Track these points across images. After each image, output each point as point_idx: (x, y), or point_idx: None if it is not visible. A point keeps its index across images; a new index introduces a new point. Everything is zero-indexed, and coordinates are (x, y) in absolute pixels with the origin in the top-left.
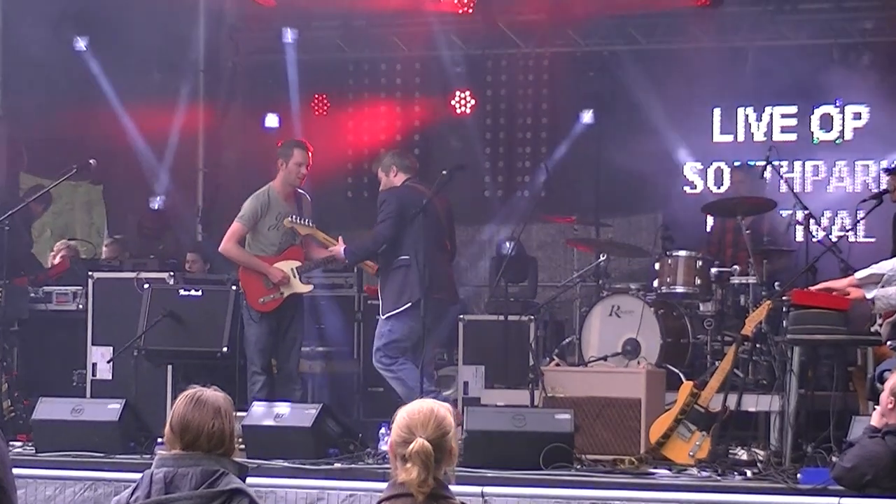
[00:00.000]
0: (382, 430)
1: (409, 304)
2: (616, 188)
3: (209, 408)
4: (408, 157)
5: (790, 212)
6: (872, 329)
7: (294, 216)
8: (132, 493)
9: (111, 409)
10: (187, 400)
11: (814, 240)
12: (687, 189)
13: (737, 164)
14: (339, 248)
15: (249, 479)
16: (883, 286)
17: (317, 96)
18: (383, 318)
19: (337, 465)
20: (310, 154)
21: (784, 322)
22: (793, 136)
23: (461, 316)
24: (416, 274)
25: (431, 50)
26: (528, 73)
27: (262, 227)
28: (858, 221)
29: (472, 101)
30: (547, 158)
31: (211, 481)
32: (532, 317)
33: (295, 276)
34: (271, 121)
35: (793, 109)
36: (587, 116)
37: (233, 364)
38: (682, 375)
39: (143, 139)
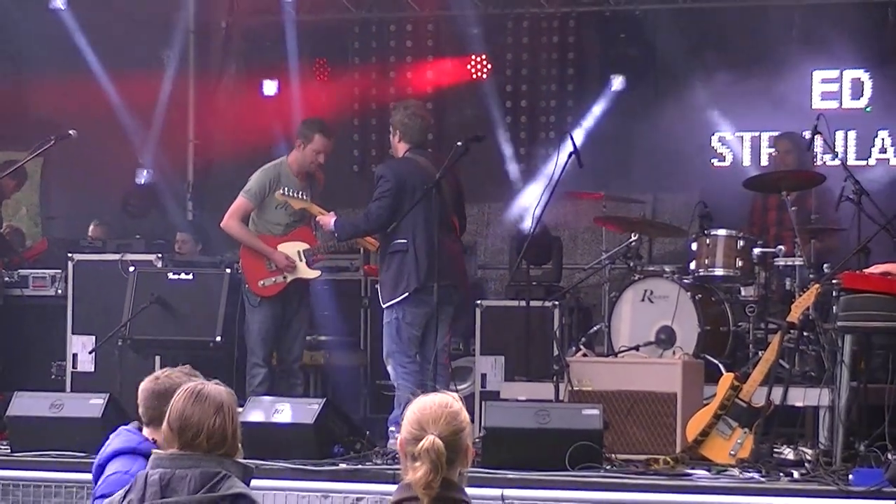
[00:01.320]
0: (392, 428)
1: (406, 294)
2: (649, 161)
3: (211, 403)
4: (418, 119)
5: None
6: None
7: (287, 189)
8: (124, 497)
9: (93, 404)
10: (187, 394)
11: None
12: (716, 162)
13: (782, 133)
14: (330, 219)
15: None
16: None
17: (319, 61)
18: (384, 307)
19: (342, 465)
20: (331, 141)
21: (834, 308)
22: (834, 104)
23: (478, 302)
24: (413, 260)
25: (445, 9)
26: (553, 34)
27: (270, 205)
28: None
29: (489, 66)
30: (573, 129)
31: (211, 485)
32: (556, 302)
33: (302, 260)
34: (269, 88)
35: (834, 74)
36: (617, 83)
37: (228, 355)
38: (721, 367)
39: (127, 108)
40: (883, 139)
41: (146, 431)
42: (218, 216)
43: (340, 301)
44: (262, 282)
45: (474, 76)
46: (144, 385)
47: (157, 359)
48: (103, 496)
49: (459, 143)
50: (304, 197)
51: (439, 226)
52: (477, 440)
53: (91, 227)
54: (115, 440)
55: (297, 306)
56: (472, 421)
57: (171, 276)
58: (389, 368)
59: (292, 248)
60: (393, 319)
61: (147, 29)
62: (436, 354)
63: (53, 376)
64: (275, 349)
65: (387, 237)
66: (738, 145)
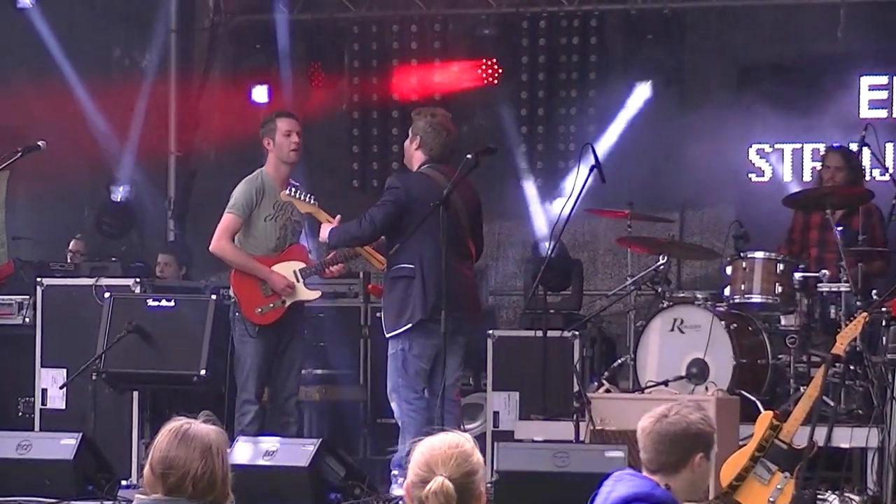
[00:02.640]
0: (395, 472)
1: (410, 326)
2: (678, 176)
3: (197, 444)
4: (443, 132)
5: (892, 204)
6: None
7: (293, 189)
8: None
9: (65, 444)
10: (172, 434)
11: None
12: (754, 177)
13: (833, 147)
14: (329, 226)
15: None
16: None
17: (314, 64)
18: (387, 336)
19: None
20: (297, 121)
21: (884, 339)
22: (883, 113)
23: (490, 332)
24: (419, 288)
25: (454, 7)
26: (573, 35)
27: (257, 219)
28: None
29: (502, 71)
30: (594, 140)
31: None
32: (576, 332)
33: (299, 281)
34: (259, 94)
35: (884, 80)
36: (644, 90)
37: (214, 391)
38: (759, 404)
39: (101, 116)
40: None
41: None
42: (202, 235)
43: (338, 330)
44: (259, 308)
45: (486, 81)
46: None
47: (135, 394)
48: None
49: (469, 156)
50: (312, 200)
51: (452, 250)
52: (489, 485)
53: (72, 242)
54: None
55: (292, 336)
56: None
57: (150, 302)
58: (393, 405)
59: (287, 269)
60: (398, 351)
61: (124, 28)
62: (444, 389)
63: (20, 413)
64: (267, 384)
65: (391, 259)
66: (777, 158)
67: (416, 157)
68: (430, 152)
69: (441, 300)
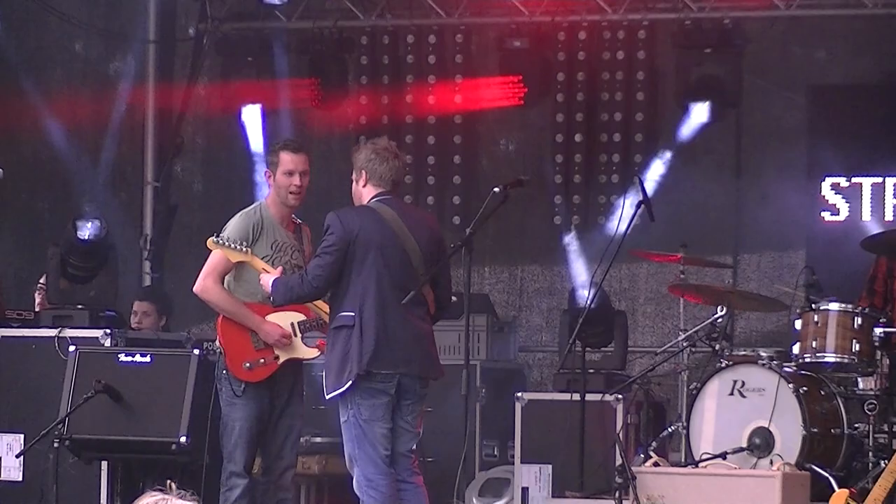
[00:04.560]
0: None
1: (350, 383)
2: (741, 214)
3: None
4: (388, 160)
5: None
6: None
7: (219, 237)
8: None
9: None
10: None
11: None
12: (827, 216)
13: None
14: (270, 277)
15: None
16: None
17: (316, 80)
18: (327, 397)
19: None
20: (305, 158)
21: None
22: None
23: (518, 394)
24: (357, 338)
25: (480, 15)
26: (617, 49)
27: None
28: None
29: (535, 89)
30: (643, 171)
31: None
32: (620, 395)
33: (297, 335)
34: (250, 114)
35: None
36: (700, 111)
37: (195, 461)
38: (833, 481)
39: (67, 139)
40: None
41: None
42: (183, 280)
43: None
44: (247, 363)
45: (515, 101)
46: None
47: (104, 465)
48: None
49: (497, 190)
50: (244, 248)
51: (398, 295)
52: None
53: (38, 297)
54: None
55: (289, 397)
56: None
57: (122, 357)
58: (354, 478)
59: (284, 320)
60: (350, 418)
61: (92, 37)
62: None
63: None
64: (259, 454)
65: (333, 307)
66: (855, 194)
67: (364, 194)
68: (381, 181)
69: (383, 351)
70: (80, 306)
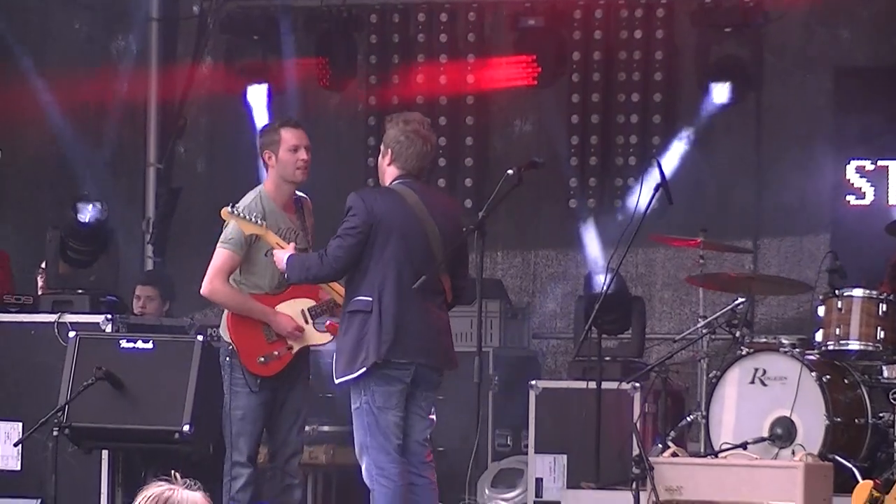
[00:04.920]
0: None
1: (364, 370)
2: (762, 197)
3: None
4: (418, 140)
5: None
6: None
7: (234, 206)
8: None
9: None
10: (150, 503)
11: None
12: (852, 199)
13: None
14: (284, 253)
15: None
16: None
17: (322, 60)
18: (336, 382)
19: None
20: (304, 133)
21: None
22: None
23: (532, 382)
24: (375, 325)
25: None
26: (634, 28)
27: (257, 253)
28: None
29: (550, 69)
30: (661, 153)
31: None
32: (637, 384)
33: (308, 322)
34: (256, 94)
35: None
36: (720, 93)
37: (199, 450)
38: (856, 471)
39: (67, 119)
40: None
41: None
42: (186, 264)
43: None
44: (262, 357)
45: (530, 82)
46: None
47: (105, 454)
48: None
49: (511, 172)
50: (259, 221)
51: (413, 282)
52: None
53: (40, 281)
54: None
55: (293, 383)
56: None
57: (124, 344)
58: (362, 466)
59: (294, 308)
60: (362, 404)
61: (93, 15)
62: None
63: None
64: (266, 442)
65: (348, 290)
66: (881, 177)
67: (388, 173)
68: (405, 165)
69: (403, 340)
70: (80, 291)
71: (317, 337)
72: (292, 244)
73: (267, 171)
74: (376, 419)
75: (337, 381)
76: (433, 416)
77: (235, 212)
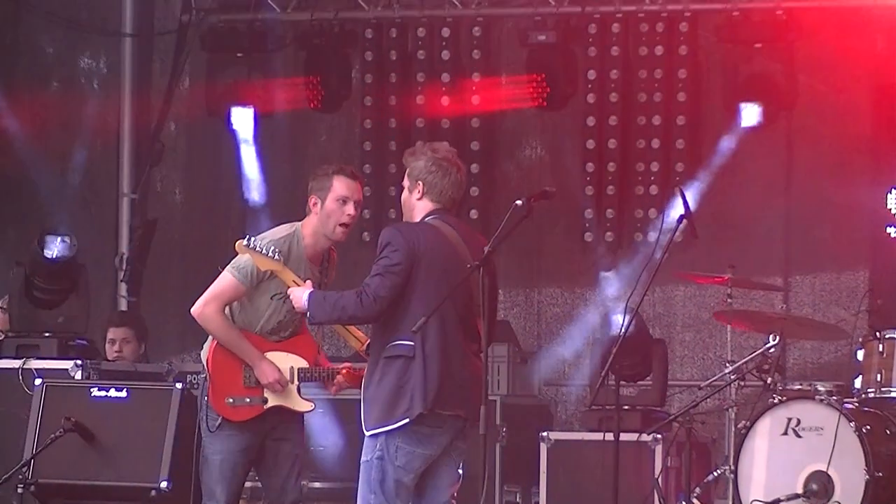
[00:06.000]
0: None
1: (407, 421)
2: (796, 230)
3: None
4: (451, 170)
5: None
6: None
7: (251, 239)
8: None
9: None
10: None
11: None
12: (893, 231)
13: None
14: (303, 290)
15: None
16: None
17: (314, 79)
18: (368, 435)
19: None
20: (360, 182)
21: None
22: None
23: (544, 434)
24: (420, 372)
25: (500, 5)
26: (655, 43)
27: (263, 294)
28: None
29: (562, 89)
30: (685, 181)
31: None
32: (659, 435)
33: (293, 383)
34: (241, 118)
35: None
36: (750, 114)
37: None
38: None
39: (32, 145)
40: None
41: None
42: (162, 303)
43: (337, 430)
44: (230, 398)
45: (540, 103)
46: None
47: None
48: None
49: (519, 202)
50: (276, 256)
51: (460, 327)
52: None
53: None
54: None
55: (282, 436)
56: None
57: (95, 392)
58: None
59: (284, 362)
60: (375, 458)
61: (64, 32)
62: None
63: None
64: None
65: (384, 334)
66: None
67: (418, 208)
68: (440, 197)
69: (448, 389)
70: (47, 334)
71: (297, 402)
72: (309, 281)
73: (313, 215)
74: (384, 478)
75: (369, 433)
76: (460, 471)
77: (251, 245)
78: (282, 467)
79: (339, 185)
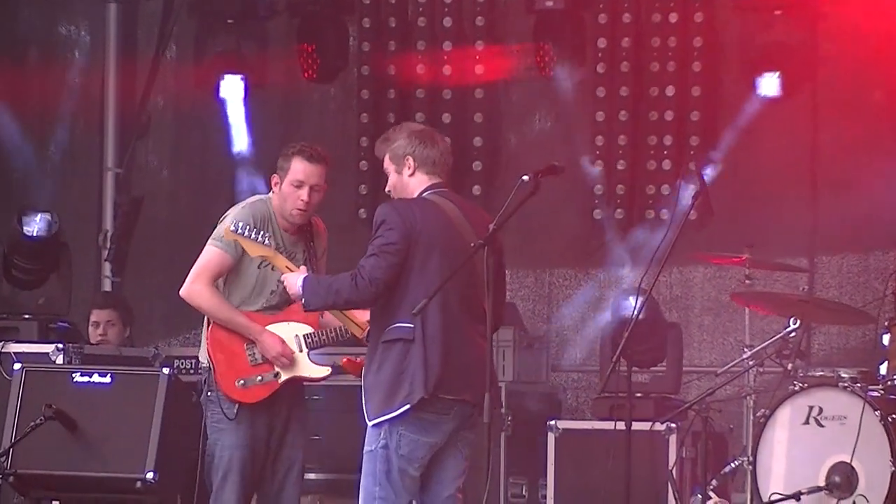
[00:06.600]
0: None
1: (407, 407)
2: (818, 207)
3: None
4: (436, 143)
5: None
6: None
7: (240, 225)
8: None
9: None
10: None
11: None
12: None
13: None
14: (297, 276)
15: None
16: None
17: (307, 48)
18: (370, 425)
19: None
20: (321, 171)
21: None
22: None
23: (551, 422)
24: (419, 355)
25: None
26: (669, 10)
27: (249, 264)
28: None
29: (571, 58)
30: (699, 157)
31: None
32: (673, 425)
33: (303, 350)
34: (231, 87)
35: None
36: (769, 85)
37: (165, 501)
38: None
39: (11, 118)
40: None
41: None
42: (147, 284)
43: (339, 419)
44: (241, 380)
45: (547, 72)
46: None
47: None
48: None
49: (526, 178)
50: (266, 241)
51: (464, 307)
52: None
53: None
54: None
55: (287, 423)
56: None
57: (77, 377)
58: None
59: (288, 331)
60: (378, 448)
61: None
62: None
63: None
64: (256, 491)
65: (382, 318)
66: None
67: (412, 185)
68: (435, 168)
69: (451, 372)
70: (26, 316)
71: (310, 368)
72: (303, 266)
73: (274, 195)
74: (390, 468)
75: (371, 423)
76: (467, 462)
77: (240, 231)
78: (279, 471)
79: (296, 168)
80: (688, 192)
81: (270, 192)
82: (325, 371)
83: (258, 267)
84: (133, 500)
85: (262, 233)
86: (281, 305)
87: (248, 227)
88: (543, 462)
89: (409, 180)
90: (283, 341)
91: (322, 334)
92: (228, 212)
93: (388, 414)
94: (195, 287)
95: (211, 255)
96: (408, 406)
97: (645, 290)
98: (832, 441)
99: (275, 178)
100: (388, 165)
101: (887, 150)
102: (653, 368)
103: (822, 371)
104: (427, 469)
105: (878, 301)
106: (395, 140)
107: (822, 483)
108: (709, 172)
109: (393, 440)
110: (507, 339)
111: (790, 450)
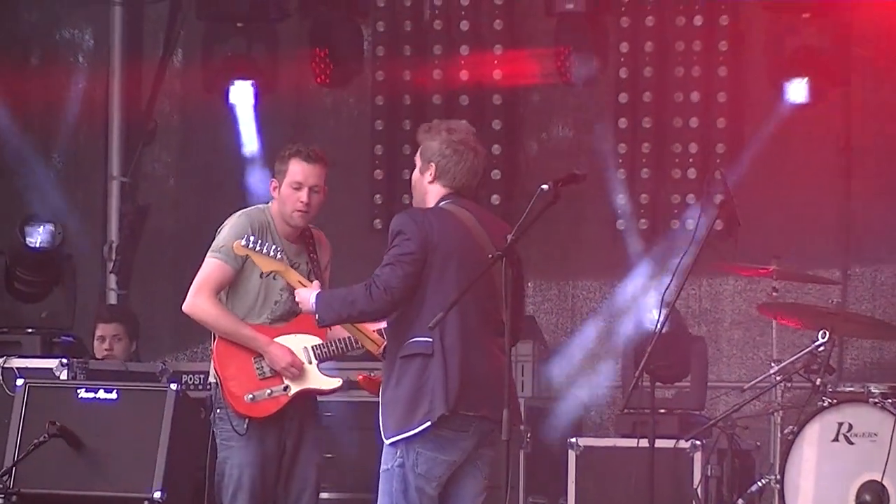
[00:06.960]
0: None
1: (428, 425)
2: (851, 217)
3: None
4: (467, 153)
5: None
6: None
7: (250, 240)
8: None
9: None
10: None
11: None
12: None
13: None
14: (310, 291)
15: None
16: None
17: (319, 52)
18: (387, 443)
19: None
20: (320, 171)
21: None
22: None
23: (571, 439)
24: (440, 370)
25: None
26: (693, 14)
27: (251, 274)
28: None
29: (592, 63)
30: (726, 164)
31: None
32: (698, 442)
33: (312, 362)
34: (240, 93)
35: None
36: (798, 91)
37: None
38: None
39: (13, 122)
40: None
41: None
42: (153, 296)
43: (353, 437)
44: (250, 395)
45: (568, 78)
46: None
47: None
48: None
49: (545, 187)
50: (278, 255)
51: (482, 321)
52: None
53: None
54: None
55: (299, 441)
56: None
57: (82, 393)
58: None
59: (297, 343)
60: (395, 467)
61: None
62: None
63: None
64: None
65: (399, 332)
66: None
67: (431, 192)
68: (454, 183)
69: (471, 387)
70: (29, 330)
71: (321, 380)
72: (317, 282)
73: (273, 199)
74: (407, 487)
75: (388, 441)
76: (486, 481)
77: (250, 244)
78: (292, 491)
79: (294, 170)
80: (714, 202)
81: (267, 204)
82: (336, 382)
83: (260, 277)
84: None
85: (273, 247)
86: (287, 316)
87: (258, 242)
88: (564, 481)
89: (427, 186)
90: (291, 352)
91: (332, 345)
92: (225, 222)
93: (407, 432)
94: (197, 301)
95: (211, 267)
96: (428, 423)
97: (668, 303)
98: (862, 459)
99: (273, 183)
100: (417, 158)
101: None
102: (677, 384)
103: (853, 386)
104: (445, 488)
105: None
106: (432, 139)
107: (852, 502)
108: (735, 181)
109: (410, 458)
110: (525, 354)
111: (819, 468)
